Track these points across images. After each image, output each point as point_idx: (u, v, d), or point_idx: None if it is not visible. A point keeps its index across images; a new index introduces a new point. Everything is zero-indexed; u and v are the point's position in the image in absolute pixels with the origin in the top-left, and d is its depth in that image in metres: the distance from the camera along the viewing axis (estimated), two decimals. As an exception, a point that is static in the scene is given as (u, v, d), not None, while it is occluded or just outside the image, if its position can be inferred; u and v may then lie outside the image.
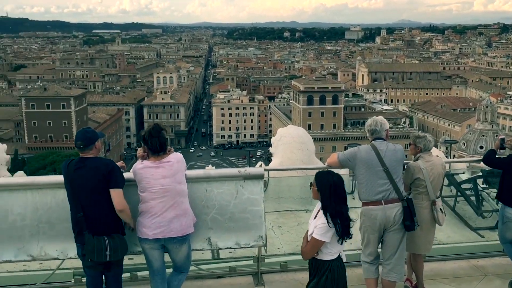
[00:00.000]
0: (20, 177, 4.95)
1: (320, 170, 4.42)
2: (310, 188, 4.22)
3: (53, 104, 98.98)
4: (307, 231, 4.23)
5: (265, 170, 5.52)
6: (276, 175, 7.16)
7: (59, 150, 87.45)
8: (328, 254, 4.11)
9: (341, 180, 4.16)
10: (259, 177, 5.17)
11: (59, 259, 4.96)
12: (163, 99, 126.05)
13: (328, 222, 4.01)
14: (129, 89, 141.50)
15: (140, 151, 4.57)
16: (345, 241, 4.10)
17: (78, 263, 5.38)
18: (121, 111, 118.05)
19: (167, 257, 4.75)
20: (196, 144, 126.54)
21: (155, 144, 4.43)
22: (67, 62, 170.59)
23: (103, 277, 4.60)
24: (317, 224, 4.06)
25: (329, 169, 4.59)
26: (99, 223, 4.30)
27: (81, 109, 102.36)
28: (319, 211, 4.14)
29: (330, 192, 4.06)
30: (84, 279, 5.34)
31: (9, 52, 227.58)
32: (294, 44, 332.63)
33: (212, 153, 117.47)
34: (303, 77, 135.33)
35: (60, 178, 5.02)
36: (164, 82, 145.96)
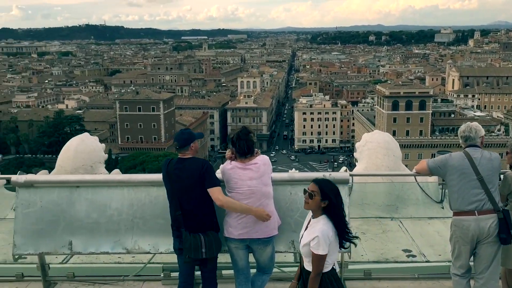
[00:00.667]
0: (118, 175, 5.30)
1: (318, 178, 4.09)
2: (305, 195, 3.93)
3: (144, 107, 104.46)
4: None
5: (350, 175, 5.45)
6: (361, 180, 7.04)
7: (148, 151, 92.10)
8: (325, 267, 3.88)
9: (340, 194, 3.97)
10: (344, 181, 5.12)
11: (150, 253, 5.23)
12: (246, 103, 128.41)
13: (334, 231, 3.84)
14: (214, 93, 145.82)
15: (228, 152, 4.71)
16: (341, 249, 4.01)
17: (167, 258, 5.67)
18: (206, 114, 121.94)
19: (251, 258, 4.85)
20: (277, 148, 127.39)
21: (243, 147, 4.55)
22: (157, 67, 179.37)
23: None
24: (310, 239, 3.82)
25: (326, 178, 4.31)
26: (195, 221, 4.47)
27: (169, 112, 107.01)
28: (309, 222, 3.98)
29: (338, 198, 3.88)
30: (172, 274, 5.62)
31: (106, 58, 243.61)
32: (380, 48, 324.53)
33: (292, 157, 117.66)
34: (389, 82, 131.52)
35: (153, 176, 5.32)
36: (248, 87, 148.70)
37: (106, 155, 8.22)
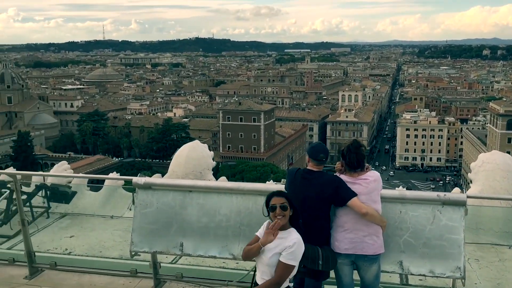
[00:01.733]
0: (228, 182, 5.49)
1: (277, 190, 4.12)
2: (278, 210, 3.87)
3: (246, 117, 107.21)
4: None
5: (467, 197, 5.12)
6: (475, 203, 6.58)
7: (247, 160, 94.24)
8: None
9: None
10: (460, 203, 4.84)
11: (255, 261, 5.32)
12: (346, 117, 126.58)
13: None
14: (315, 105, 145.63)
15: (338, 164, 4.68)
16: None
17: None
18: (306, 127, 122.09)
19: (355, 275, 4.75)
20: (377, 164, 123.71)
21: (353, 160, 4.49)
22: (260, 79, 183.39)
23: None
24: (286, 246, 3.73)
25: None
26: (314, 233, 4.45)
27: (269, 123, 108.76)
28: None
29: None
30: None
31: (212, 69, 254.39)
32: (495, 63, 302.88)
33: (391, 173, 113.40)
34: (504, 99, 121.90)
35: (260, 186, 5.44)
36: (349, 100, 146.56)
37: (214, 163, 8.56)
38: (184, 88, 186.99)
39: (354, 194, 4.42)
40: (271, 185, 5.51)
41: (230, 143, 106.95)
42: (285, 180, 4.95)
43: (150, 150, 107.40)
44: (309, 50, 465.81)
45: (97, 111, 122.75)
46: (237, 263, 6.02)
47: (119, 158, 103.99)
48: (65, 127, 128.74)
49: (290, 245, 3.77)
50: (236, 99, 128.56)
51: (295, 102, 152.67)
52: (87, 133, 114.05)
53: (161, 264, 6.04)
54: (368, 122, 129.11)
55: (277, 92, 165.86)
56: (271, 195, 3.98)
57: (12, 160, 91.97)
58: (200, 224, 5.41)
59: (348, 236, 4.47)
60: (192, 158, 8.26)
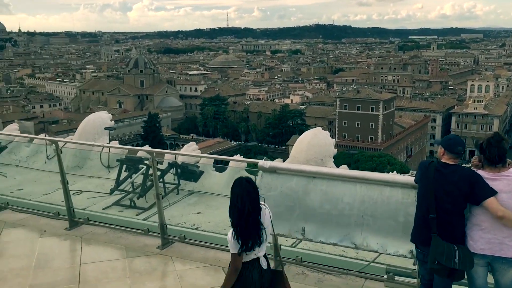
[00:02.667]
0: (353, 170, 5.42)
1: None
2: None
3: (364, 106, 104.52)
4: None
5: None
6: None
7: (363, 150, 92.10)
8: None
9: (245, 193, 3.84)
10: None
11: (378, 252, 5.23)
12: (475, 108, 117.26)
13: (233, 233, 3.83)
14: (439, 96, 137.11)
15: (475, 159, 4.37)
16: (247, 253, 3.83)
17: (392, 260, 5.59)
18: (428, 118, 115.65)
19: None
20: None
21: (494, 154, 4.16)
22: (380, 67, 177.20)
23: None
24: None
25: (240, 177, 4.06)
26: (450, 229, 4.25)
27: (388, 113, 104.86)
28: None
29: (231, 204, 3.87)
30: (396, 278, 5.51)
31: (331, 56, 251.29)
32: None
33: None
34: None
35: (387, 176, 5.29)
36: (479, 91, 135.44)
37: (336, 150, 8.50)
38: (302, 75, 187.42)
39: (491, 193, 4.09)
40: (397, 176, 5.33)
41: (346, 131, 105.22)
42: (406, 172, 4.75)
43: (266, 136, 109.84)
44: (435, 37, 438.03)
45: (219, 96, 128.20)
46: (357, 252, 5.95)
47: (237, 142, 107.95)
48: (189, 110, 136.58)
49: (268, 212, 4.03)
50: (355, 87, 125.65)
51: (417, 92, 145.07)
52: (208, 116, 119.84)
53: (282, 247, 6.19)
54: (500, 115, 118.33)
55: (398, 81, 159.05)
56: None
57: (142, 139, 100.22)
58: (322, 210, 5.44)
59: (485, 236, 4.16)
60: (313, 145, 8.29)
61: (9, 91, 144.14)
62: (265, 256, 4.07)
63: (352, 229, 5.23)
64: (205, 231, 7.02)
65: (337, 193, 5.38)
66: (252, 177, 8.76)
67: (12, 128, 11.66)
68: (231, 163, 8.94)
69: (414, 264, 5.10)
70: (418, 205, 4.46)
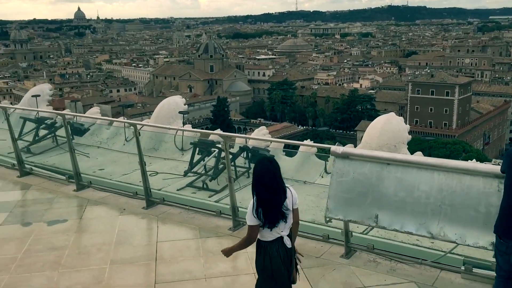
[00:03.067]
0: (430, 157, 5.23)
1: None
2: None
3: (438, 91, 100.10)
4: None
5: None
6: None
7: (436, 137, 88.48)
8: (261, 237, 4.01)
9: (268, 171, 3.94)
10: None
11: (456, 243, 5.04)
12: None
13: (253, 208, 3.91)
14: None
15: None
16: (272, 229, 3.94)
17: (470, 251, 5.37)
18: (508, 104, 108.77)
19: None
20: None
21: None
22: (457, 50, 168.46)
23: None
24: (292, 200, 4.05)
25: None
26: None
27: (464, 97, 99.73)
28: None
29: (255, 179, 3.94)
30: (474, 270, 5.30)
31: (403, 39, 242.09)
32: None
33: None
34: None
35: (468, 164, 5.07)
36: None
37: (410, 137, 8.24)
38: (372, 59, 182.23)
39: None
40: (479, 164, 5.07)
41: (418, 117, 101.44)
42: (484, 160, 4.49)
43: (334, 121, 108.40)
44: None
45: (286, 80, 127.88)
46: (432, 242, 5.78)
47: (304, 127, 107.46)
48: (257, 95, 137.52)
49: (295, 197, 4.09)
50: (428, 70, 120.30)
51: (497, 75, 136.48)
52: (276, 101, 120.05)
53: (353, 233, 6.13)
54: None
55: (476, 64, 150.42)
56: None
57: (211, 123, 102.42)
58: (396, 198, 5.31)
59: None
60: (387, 131, 8.08)
61: (88, 76, 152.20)
62: (289, 235, 4.11)
63: (428, 218, 5.07)
64: (275, 214, 7.07)
65: (412, 181, 5.22)
66: (323, 162, 8.75)
67: (94, 112, 12.33)
68: (301, 148, 8.92)
69: (494, 256, 4.87)
70: (505, 195, 4.23)
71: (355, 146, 8.63)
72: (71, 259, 6.19)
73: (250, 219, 3.95)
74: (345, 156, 5.62)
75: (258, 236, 4.04)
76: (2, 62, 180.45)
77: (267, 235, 4.00)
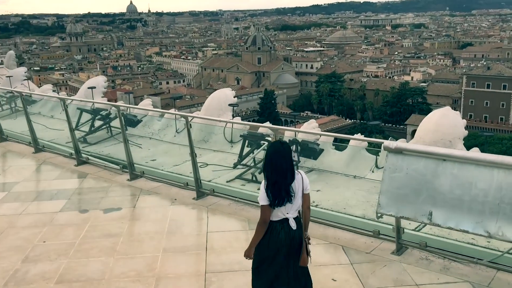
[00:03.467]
0: (490, 154, 5.02)
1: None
2: None
3: (494, 84, 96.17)
4: None
5: None
6: None
7: (492, 132, 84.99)
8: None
9: (278, 152, 4.06)
10: None
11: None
12: None
13: (265, 188, 4.04)
14: None
15: None
16: (278, 207, 4.04)
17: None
18: None
19: None
20: None
21: None
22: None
23: None
24: (304, 184, 4.18)
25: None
26: None
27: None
28: None
29: (266, 160, 4.09)
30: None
31: (458, 30, 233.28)
32: None
33: None
34: None
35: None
36: None
37: (467, 132, 7.96)
38: (424, 51, 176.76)
39: None
40: (544, 162, 4.83)
41: (472, 111, 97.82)
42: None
43: (383, 114, 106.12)
44: None
45: (334, 73, 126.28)
46: (489, 241, 5.59)
47: (352, 120, 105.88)
48: (304, 87, 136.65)
49: (306, 182, 4.21)
50: (485, 63, 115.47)
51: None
52: (323, 94, 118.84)
53: (404, 230, 6.01)
54: None
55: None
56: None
57: (258, 115, 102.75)
58: (452, 195, 5.15)
59: None
60: (442, 125, 7.84)
61: (139, 68, 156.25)
62: (296, 218, 4.18)
63: (486, 217, 4.89)
64: (324, 208, 7.04)
65: (470, 178, 5.05)
66: (373, 156, 8.61)
67: (146, 103, 12.64)
68: (351, 142, 8.80)
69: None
70: None
71: (407, 141, 8.43)
72: (126, 246, 6.41)
73: (263, 199, 4.06)
74: (398, 151, 5.50)
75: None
76: (59, 55, 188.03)
77: (273, 215, 4.11)
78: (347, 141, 9.04)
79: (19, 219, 7.40)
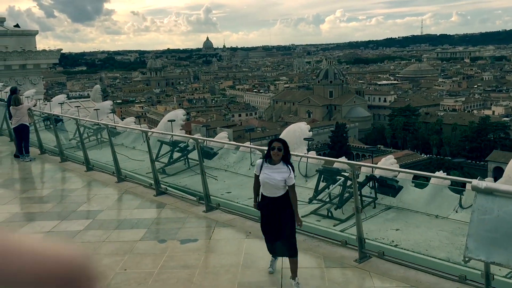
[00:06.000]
0: None
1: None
2: (276, 150, 6.08)
3: None
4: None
5: None
6: None
7: None
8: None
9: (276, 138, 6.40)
10: None
11: None
12: None
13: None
14: None
15: None
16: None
17: None
18: None
19: None
20: None
21: None
22: None
23: None
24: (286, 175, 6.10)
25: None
26: None
27: None
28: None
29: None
30: None
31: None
32: None
33: None
34: None
35: None
36: None
37: None
38: (507, 84, 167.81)
39: None
40: None
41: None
42: None
43: (461, 150, 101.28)
44: None
45: (409, 106, 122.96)
46: None
47: (428, 155, 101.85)
48: (377, 121, 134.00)
49: (288, 174, 6.07)
50: None
51: None
52: (397, 127, 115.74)
53: (494, 276, 5.60)
54: None
55: None
56: (273, 140, 6.24)
57: (329, 148, 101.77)
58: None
59: None
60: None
61: (213, 101, 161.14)
62: (283, 196, 6.14)
63: None
64: (404, 249, 6.74)
65: None
66: (457, 196, 8.18)
67: (222, 136, 12.94)
68: (432, 180, 8.44)
69: None
70: None
71: (495, 180, 7.95)
72: (201, 278, 6.47)
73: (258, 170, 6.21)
74: (488, 192, 5.19)
75: (261, 190, 6.23)
76: (139, 88, 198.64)
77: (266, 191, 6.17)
78: (428, 178, 8.68)
79: (102, 246, 7.73)
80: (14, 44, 37.82)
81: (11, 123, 15.47)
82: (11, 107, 14.41)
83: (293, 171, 6.18)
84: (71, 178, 12.71)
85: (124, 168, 11.84)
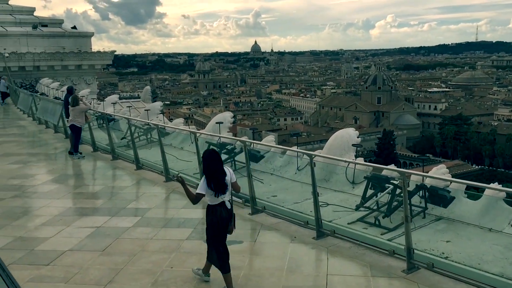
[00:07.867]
0: None
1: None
2: None
3: None
4: None
5: None
6: None
7: None
8: (211, 201, 6.10)
9: (215, 159, 6.06)
10: None
11: None
12: None
13: (206, 183, 5.98)
14: None
15: None
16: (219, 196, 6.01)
17: None
18: None
19: None
20: None
21: None
22: None
23: None
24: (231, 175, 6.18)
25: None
26: None
27: None
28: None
29: (205, 165, 6.16)
30: None
31: None
32: None
33: None
34: None
35: None
36: None
37: None
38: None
39: None
40: None
41: None
42: None
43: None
44: None
45: (461, 115, 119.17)
46: None
47: (480, 166, 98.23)
48: (426, 129, 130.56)
49: (232, 175, 6.21)
50: None
51: None
52: (448, 136, 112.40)
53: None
54: None
55: None
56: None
57: (375, 156, 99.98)
58: None
59: None
60: None
61: (259, 105, 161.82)
62: (230, 200, 6.14)
63: None
64: (456, 262, 6.51)
65: None
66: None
67: (269, 140, 12.97)
68: (486, 191, 8.12)
69: None
70: None
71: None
72: (246, 280, 6.49)
73: (202, 189, 5.99)
74: (549, 207, 4.94)
75: (208, 201, 6.11)
76: (187, 91, 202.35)
77: (215, 200, 6.02)
78: (481, 190, 8.37)
79: (150, 244, 7.90)
80: (71, 45, 39.48)
81: (67, 121, 16.14)
82: (69, 107, 15.05)
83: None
84: (122, 176, 13.09)
85: (172, 168, 12.06)
